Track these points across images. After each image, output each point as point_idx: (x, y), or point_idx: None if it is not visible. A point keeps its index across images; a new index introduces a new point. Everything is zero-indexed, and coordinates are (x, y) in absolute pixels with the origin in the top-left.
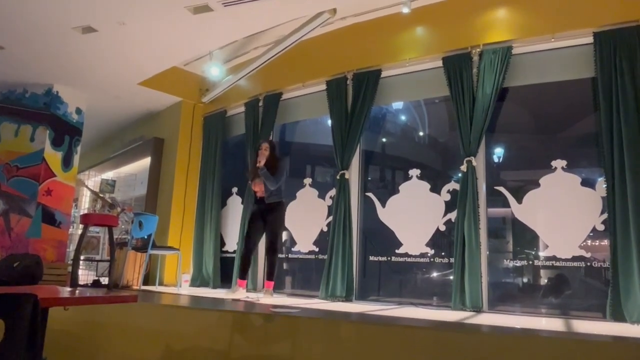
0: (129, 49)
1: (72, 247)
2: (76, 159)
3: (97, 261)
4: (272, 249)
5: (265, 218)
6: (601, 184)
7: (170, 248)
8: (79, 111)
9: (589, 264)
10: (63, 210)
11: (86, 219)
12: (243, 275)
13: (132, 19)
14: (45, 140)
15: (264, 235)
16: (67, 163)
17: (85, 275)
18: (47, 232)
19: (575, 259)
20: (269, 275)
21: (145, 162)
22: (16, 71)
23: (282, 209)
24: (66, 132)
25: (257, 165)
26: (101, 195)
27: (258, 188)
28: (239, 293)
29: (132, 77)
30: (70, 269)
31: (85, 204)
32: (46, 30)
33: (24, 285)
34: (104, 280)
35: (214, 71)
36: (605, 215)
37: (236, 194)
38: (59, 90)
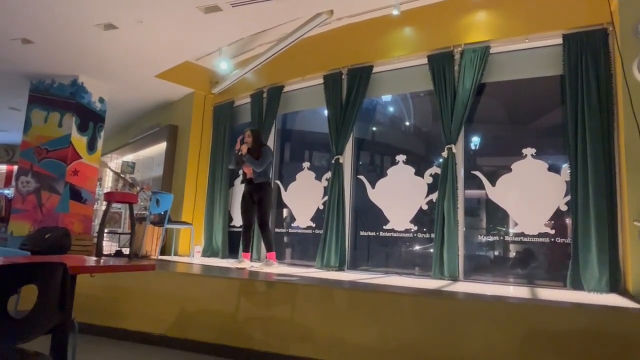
0: (146, 45)
1: (96, 221)
2: (100, 143)
3: (119, 234)
4: (262, 224)
5: (254, 197)
6: (566, 169)
7: (184, 223)
8: (101, 100)
9: (552, 239)
10: (88, 188)
11: (109, 197)
12: (246, 249)
13: (149, 18)
14: (72, 126)
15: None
16: (91, 147)
17: (108, 246)
18: (74, 208)
19: (540, 235)
20: (266, 248)
21: (162, 146)
22: (45, 64)
23: (268, 188)
24: (90, 119)
25: (239, 153)
26: (122, 175)
27: (247, 170)
28: (244, 263)
29: (149, 70)
30: (95, 240)
31: (108, 183)
32: (72, 26)
33: (54, 254)
34: (126, 251)
35: (223, 65)
36: (568, 197)
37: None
38: (83, 81)
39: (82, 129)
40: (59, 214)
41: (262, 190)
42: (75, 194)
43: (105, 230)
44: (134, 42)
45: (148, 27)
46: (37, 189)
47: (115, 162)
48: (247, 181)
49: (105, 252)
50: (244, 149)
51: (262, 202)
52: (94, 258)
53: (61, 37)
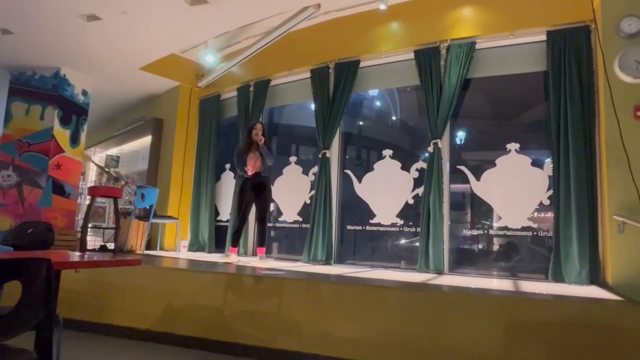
0: (130, 37)
1: (80, 216)
2: (83, 136)
3: (104, 228)
4: (262, 219)
5: (257, 191)
6: (548, 164)
7: (170, 217)
8: (85, 93)
9: (535, 233)
10: (72, 182)
11: (93, 191)
12: (235, 243)
13: (134, 9)
14: (54, 119)
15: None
16: (74, 140)
17: (92, 241)
18: (57, 202)
19: (524, 229)
20: (261, 243)
21: (147, 140)
22: (25, 55)
23: (270, 183)
24: (73, 112)
25: (259, 142)
26: (106, 169)
27: (255, 164)
28: (232, 258)
29: (134, 62)
30: (79, 235)
31: (92, 177)
32: (54, 17)
33: (37, 249)
34: (110, 246)
35: (209, 59)
36: (550, 192)
37: (229, 169)
38: (66, 73)
39: (64, 122)
40: (42, 208)
41: (267, 184)
42: (58, 188)
43: (89, 225)
44: (118, 33)
45: (132, 19)
46: (19, 183)
47: (99, 155)
48: (252, 175)
49: (89, 247)
50: (263, 139)
51: (267, 197)
52: (78, 253)
53: (42, 27)
